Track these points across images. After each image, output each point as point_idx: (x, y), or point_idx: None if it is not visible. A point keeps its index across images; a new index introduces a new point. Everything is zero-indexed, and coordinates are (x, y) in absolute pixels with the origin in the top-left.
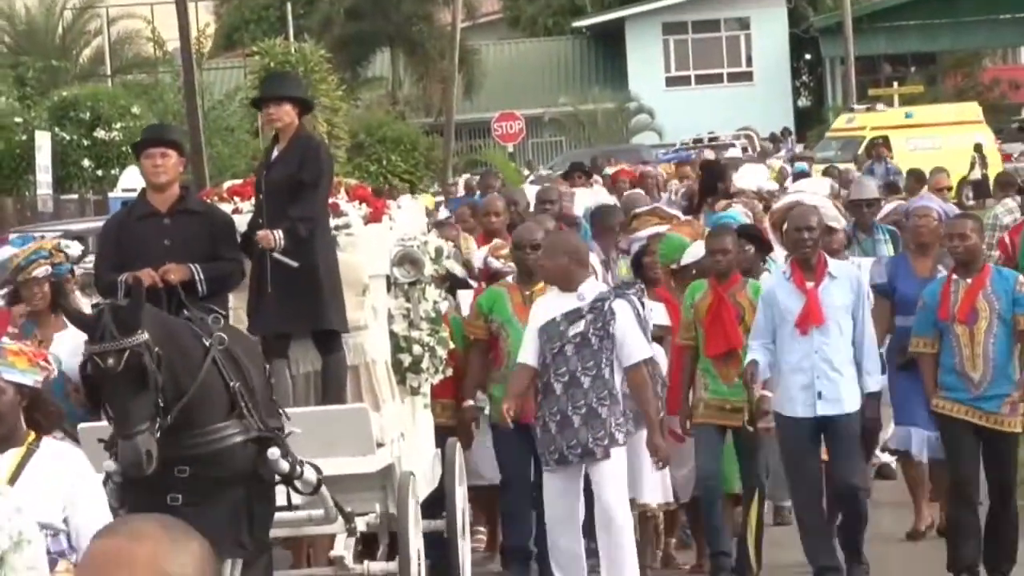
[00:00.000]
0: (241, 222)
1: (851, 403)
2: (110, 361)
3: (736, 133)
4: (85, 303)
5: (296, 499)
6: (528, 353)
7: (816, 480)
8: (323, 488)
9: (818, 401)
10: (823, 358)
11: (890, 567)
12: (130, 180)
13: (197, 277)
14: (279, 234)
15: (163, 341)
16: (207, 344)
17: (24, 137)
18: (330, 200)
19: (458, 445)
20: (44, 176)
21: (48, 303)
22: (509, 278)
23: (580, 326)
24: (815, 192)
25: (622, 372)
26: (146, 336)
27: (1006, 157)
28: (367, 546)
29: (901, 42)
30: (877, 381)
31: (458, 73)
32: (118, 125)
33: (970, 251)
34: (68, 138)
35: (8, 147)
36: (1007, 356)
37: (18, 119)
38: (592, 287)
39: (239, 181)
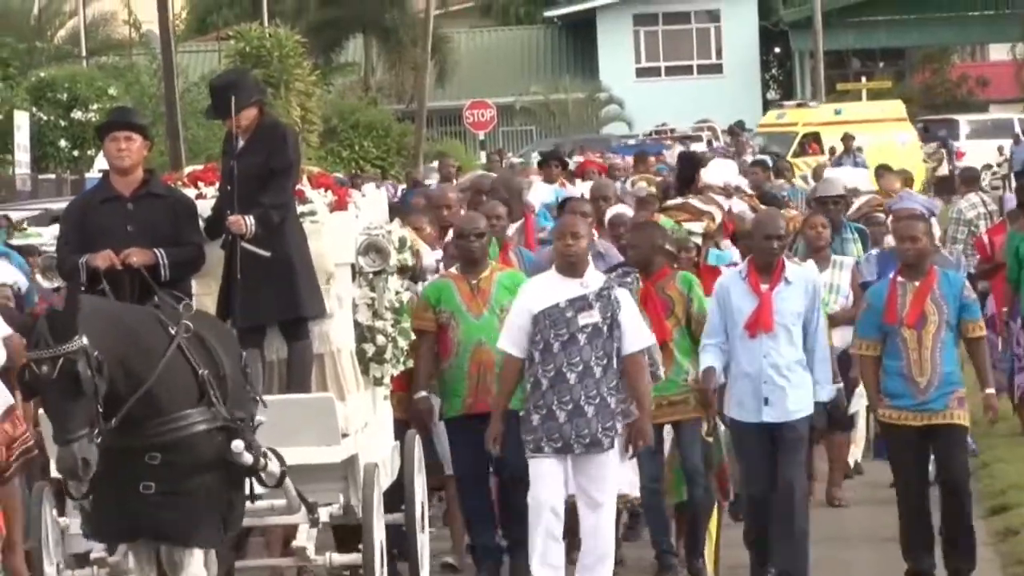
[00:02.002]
0: (204, 207)
1: (798, 410)
2: (44, 368)
3: (696, 125)
4: (47, 286)
5: (259, 489)
6: (515, 343)
7: (767, 483)
8: (287, 479)
9: (764, 407)
10: (770, 363)
11: (863, 569)
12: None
13: (161, 262)
14: (251, 220)
15: (110, 339)
16: (172, 332)
17: (1, 117)
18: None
19: (417, 438)
20: (22, 155)
21: None
22: (453, 268)
23: (594, 316)
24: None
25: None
26: (83, 342)
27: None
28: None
29: (870, 37)
30: (827, 391)
31: (430, 60)
32: (95, 106)
33: (920, 254)
34: (45, 118)
35: None
36: (954, 362)
37: None
38: (595, 275)
39: (199, 167)
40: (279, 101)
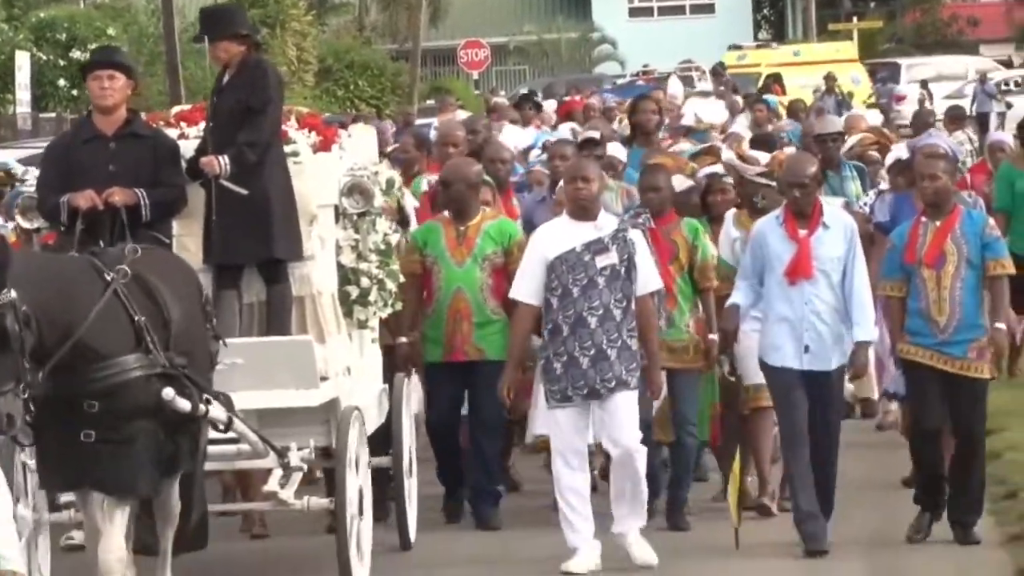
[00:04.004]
0: (187, 148)
1: (837, 358)
2: None
3: (681, 66)
4: (28, 227)
5: (212, 434)
6: (530, 291)
7: (802, 426)
8: (239, 424)
9: (804, 355)
10: (812, 310)
11: (862, 513)
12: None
13: (143, 202)
14: (225, 160)
15: (39, 291)
16: (109, 279)
17: (2, 57)
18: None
19: (406, 381)
20: (23, 95)
21: None
22: (445, 212)
23: (612, 258)
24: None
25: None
26: (11, 295)
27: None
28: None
29: None
30: (867, 331)
31: (424, 0)
32: (93, 46)
33: (940, 192)
34: (45, 58)
35: None
36: (974, 301)
37: None
38: (608, 217)
39: (187, 107)
40: (275, 41)
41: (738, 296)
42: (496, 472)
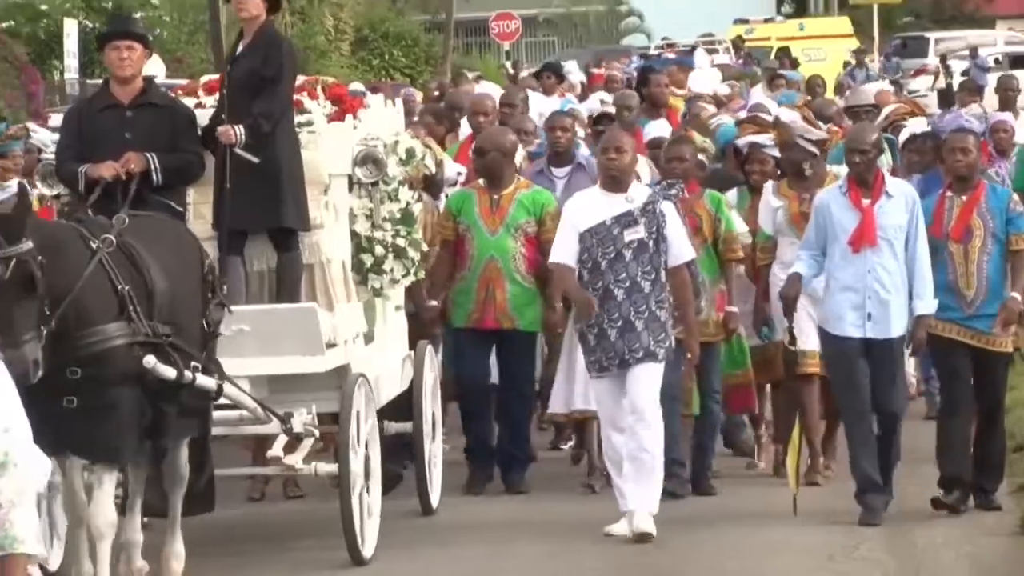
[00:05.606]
0: (204, 116)
1: (899, 327)
2: None
3: (701, 39)
4: (47, 193)
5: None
6: (569, 254)
7: (865, 396)
8: (232, 390)
9: (867, 323)
10: (876, 279)
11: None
12: (149, 69)
13: (153, 166)
14: (240, 130)
15: (44, 248)
16: (95, 247)
17: (52, 24)
18: (294, 98)
19: (429, 347)
20: (72, 61)
21: None
22: (480, 180)
23: (639, 231)
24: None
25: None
26: (30, 244)
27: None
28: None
29: None
30: (928, 304)
31: None
32: (138, 15)
33: (970, 167)
34: (92, 26)
35: (35, 33)
36: (1000, 275)
37: (43, 6)
38: (640, 189)
39: (216, 76)
40: (313, 11)
41: (800, 266)
42: (526, 438)
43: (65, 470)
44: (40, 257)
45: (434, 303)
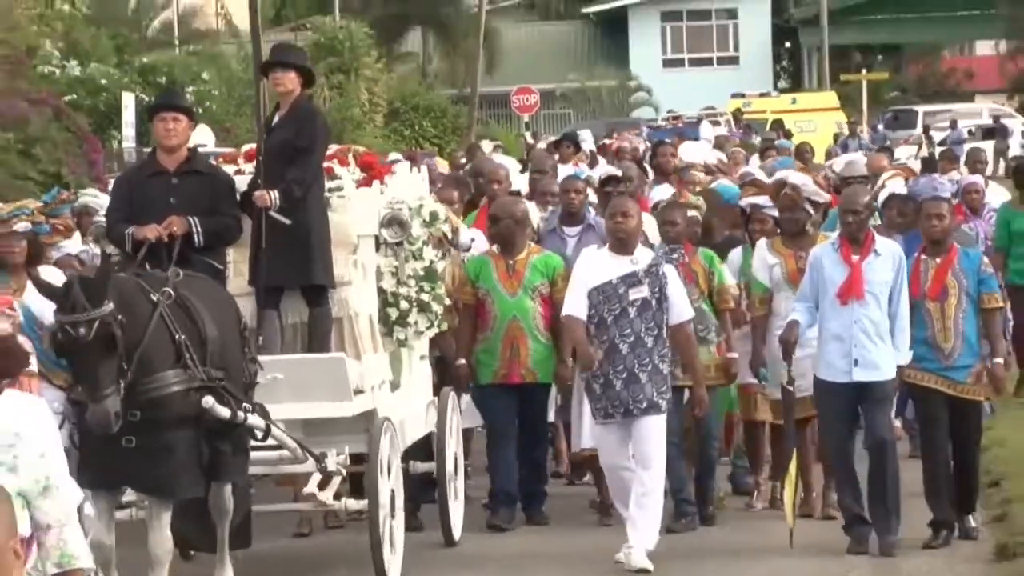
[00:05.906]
0: (242, 182)
1: (886, 370)
2: (81, 331)
3: (703, 113)
4: (98, 252)
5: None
6: (579, 308)
7: (846, 440)
8: (276, 431)
9: (854, 368)
10: (861, 329)
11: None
12: (200, 137)
13: (195, 229)
14: (275, 194)
15: (120, 305)
16: (155, 300)
17: (111, 97)
18: (325, 165)
19: (451, 394)
20: (129, 131)
21: (24, 258)
22: (494, 247)
23: (643, 291)
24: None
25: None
26: (111, 306)
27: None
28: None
29: (871, 34)
30: (904, 357)
31: (481, 50)
32: (190, 89)
33: (945, 231)
34: (147, 99)
35: (95, 105)
36: (974, 329)
37: (103, 81)
38: (644, 252)
39: (254, 145)
40: (350, 86)
41: (797, 315)
42: (544, 474)
43: (99, 511)
44: (121, 316)
45: (462, 361)
